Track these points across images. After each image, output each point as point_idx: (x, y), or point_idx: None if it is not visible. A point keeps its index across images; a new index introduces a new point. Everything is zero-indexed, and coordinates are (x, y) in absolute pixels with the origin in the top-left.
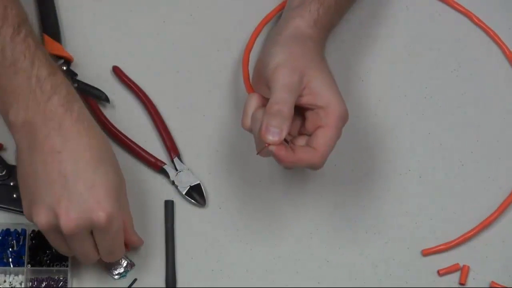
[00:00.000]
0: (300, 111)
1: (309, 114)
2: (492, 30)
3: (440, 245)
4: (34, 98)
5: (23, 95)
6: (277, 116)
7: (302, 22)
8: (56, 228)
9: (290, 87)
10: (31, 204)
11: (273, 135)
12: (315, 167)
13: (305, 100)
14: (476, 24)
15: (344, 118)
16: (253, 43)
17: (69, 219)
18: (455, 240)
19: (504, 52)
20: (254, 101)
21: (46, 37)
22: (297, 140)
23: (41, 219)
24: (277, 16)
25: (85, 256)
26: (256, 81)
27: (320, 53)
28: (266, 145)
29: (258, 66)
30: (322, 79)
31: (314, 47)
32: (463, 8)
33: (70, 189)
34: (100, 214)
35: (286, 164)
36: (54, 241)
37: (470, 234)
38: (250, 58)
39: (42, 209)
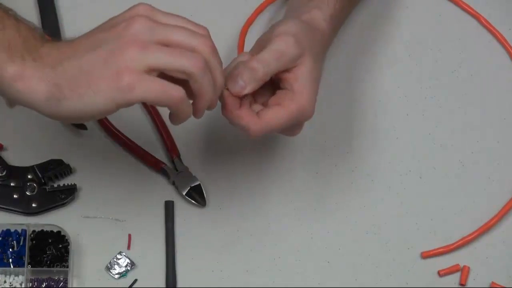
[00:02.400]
0: (276, 86)
1: (279, 92)
2: (496, 30)
3: (440, 248)
4: (29, 43)
5: (17, 44)
6: (251, 73)
7: (319, 13)
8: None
9: (281, 56)
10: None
11: (235, 86)
12: (248, 133)
13: (288, 77)
14: (482, 24)
15: (304, 113)
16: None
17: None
18: (455, 243)
19: (505, 48)
20: (243, 57)
21: (46, 37)
22: (254, 106)
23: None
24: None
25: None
26: (256, 50)
27: (324, 50)
28: (225, 87)
29: (263, 36)
30: (311, 72)
31: (322, 42)
32: (467, 5)
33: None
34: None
35: (227, 115)
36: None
37: (470, 237)
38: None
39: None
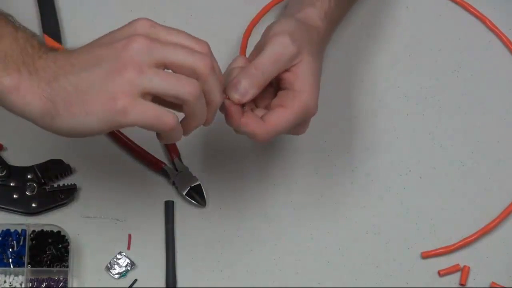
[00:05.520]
0: (277, 87)
1: (280, 93)
2: (498, 29)
3: (440, 248)
4: (26, 53)
5: (13, 54)
6: (250, 79)
7: (313, 12)
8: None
9: (278, 58)
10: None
11: (236, 93)
12: (255, 139)
13: (287, 76)
14: (482, 23)
15: (308, 110)
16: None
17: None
18: (455, 244)
19: (507, 46)
20: (238, 62)
21: (46, 37)
22: (257, 111)
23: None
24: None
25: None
26: (254, 53)
27: (321, 47)
28: (225, 97)
29: (260, 38)
30: (311, 68)
31: (318, 39)
32: (468, 4)
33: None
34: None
35: (231, 124)
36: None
37: (471, 238)
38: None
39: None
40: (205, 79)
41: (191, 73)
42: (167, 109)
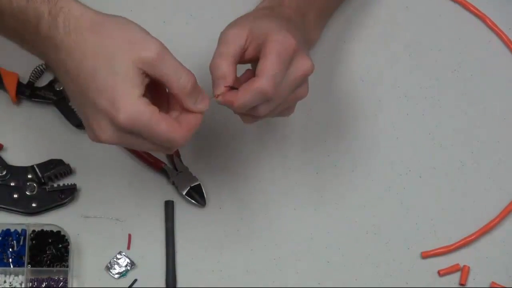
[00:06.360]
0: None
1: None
2: (498, 28)
3: (440, 248)
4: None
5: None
6: (216, 68)
7: (266, 2)
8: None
9: (227, 40)
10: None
11: (219, 86)
12: (267, 95)
13: (251, 48)
14: (483, 23)
15: (284, 45)
16: None
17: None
18: (455, 243)
19: (507, 46)
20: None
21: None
22: None
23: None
24: None
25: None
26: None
27: (278, 16)
28: (215, 97)
29: None
30: (266, 24)
31: (271, 13)
32: (469, 4)
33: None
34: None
35: (238, 105)
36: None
37: (470, 238)
38: None
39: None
40: None
41: None
42: None
